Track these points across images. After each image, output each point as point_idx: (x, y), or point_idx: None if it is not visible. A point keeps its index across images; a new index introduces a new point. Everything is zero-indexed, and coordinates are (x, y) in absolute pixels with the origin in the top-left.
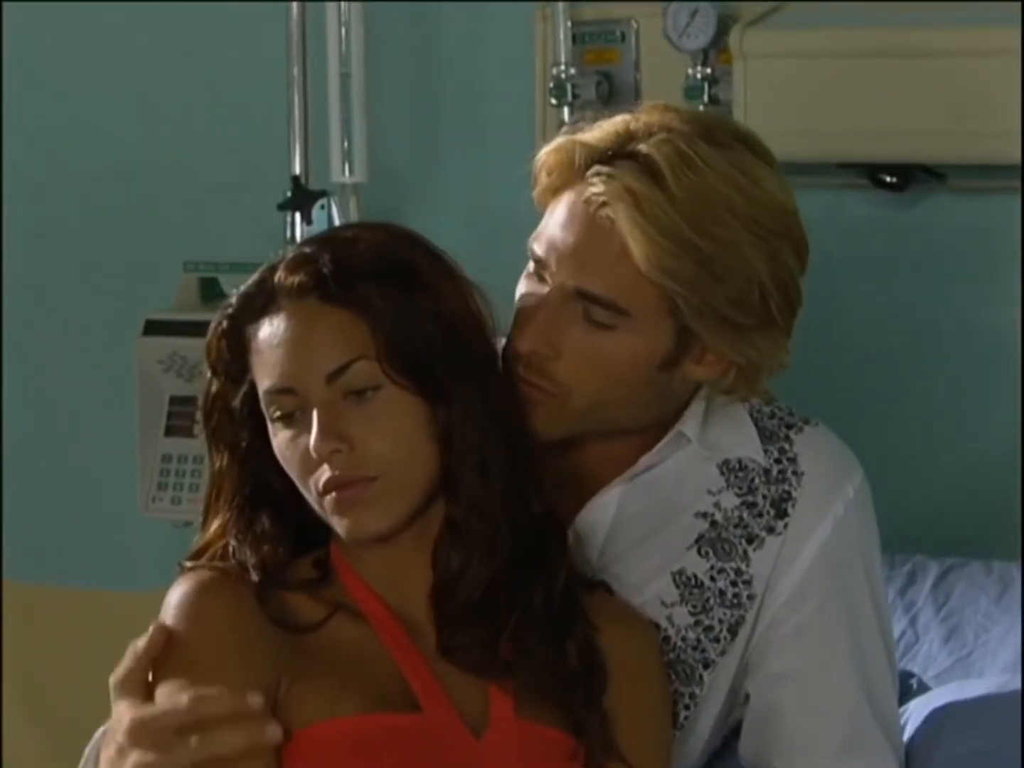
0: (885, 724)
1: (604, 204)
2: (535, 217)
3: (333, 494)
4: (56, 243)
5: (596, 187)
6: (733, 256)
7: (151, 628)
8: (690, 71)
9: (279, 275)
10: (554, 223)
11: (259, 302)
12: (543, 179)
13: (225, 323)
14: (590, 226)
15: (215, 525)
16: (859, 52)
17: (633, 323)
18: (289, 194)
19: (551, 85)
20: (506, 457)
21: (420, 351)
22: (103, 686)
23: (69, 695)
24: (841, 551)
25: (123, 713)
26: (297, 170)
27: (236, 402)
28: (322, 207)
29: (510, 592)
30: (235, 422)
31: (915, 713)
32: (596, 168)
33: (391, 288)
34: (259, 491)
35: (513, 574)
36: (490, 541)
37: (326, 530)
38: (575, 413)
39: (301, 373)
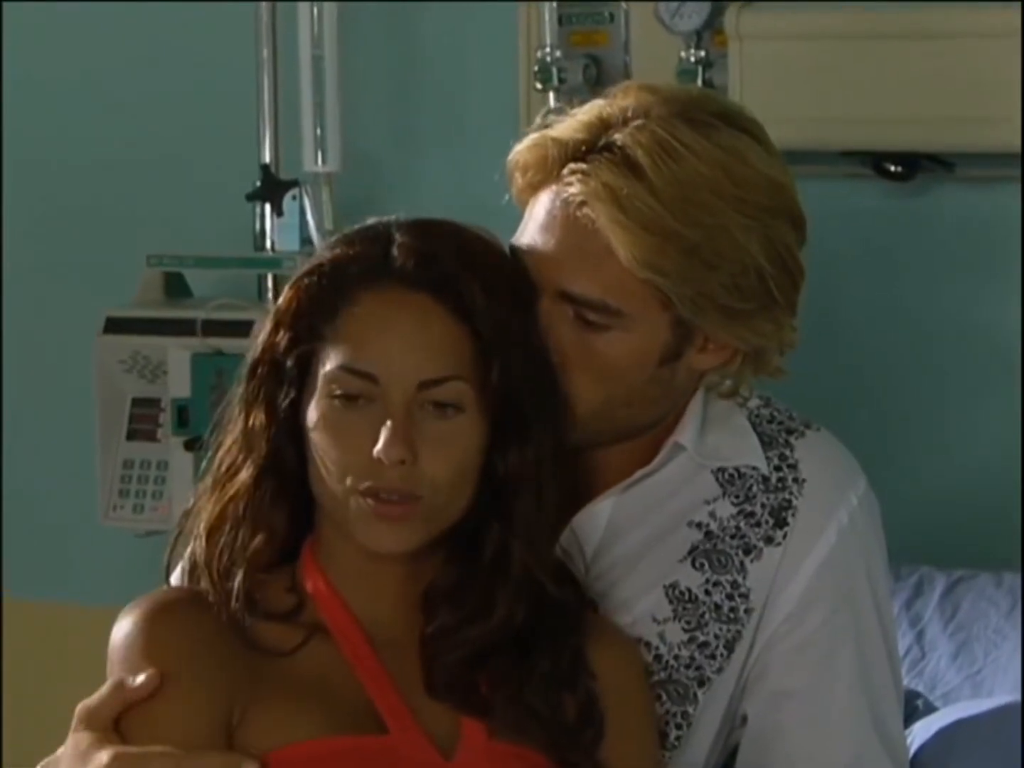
0: (890, 744)
1: (583, 204)
2: (519, 209)
3: (371, 502)
4: (10, 235)
5: (573, 187)
6: (723, 241)
7: (143, 676)
8: (683, 54)
9: (396, 256)
10: (534, 226)
11: (365, 270)
12: (518, 179)
13: (315, 278)
14: (571, 227)
15: (240, 480)
16: (863, 34)
17: (627, 321)
18: (258, 184)
19: (536, 69)
20: (554, 505)
21: (518, 388)
22: (47, 702)
23: (19, 706)
24: (845, 563)
25: (92, 746)
26: (267, 158)
27: (290, 360)
28: (293, 198)
29: (514, 651)
30: (281, 380)
31: (922, 731)
32: (571, 166)
33: (508, 315)
34: (275, 462)
35: (521, 637)
36: (518, 586)
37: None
38: (582, 421)
39: (395, 368)
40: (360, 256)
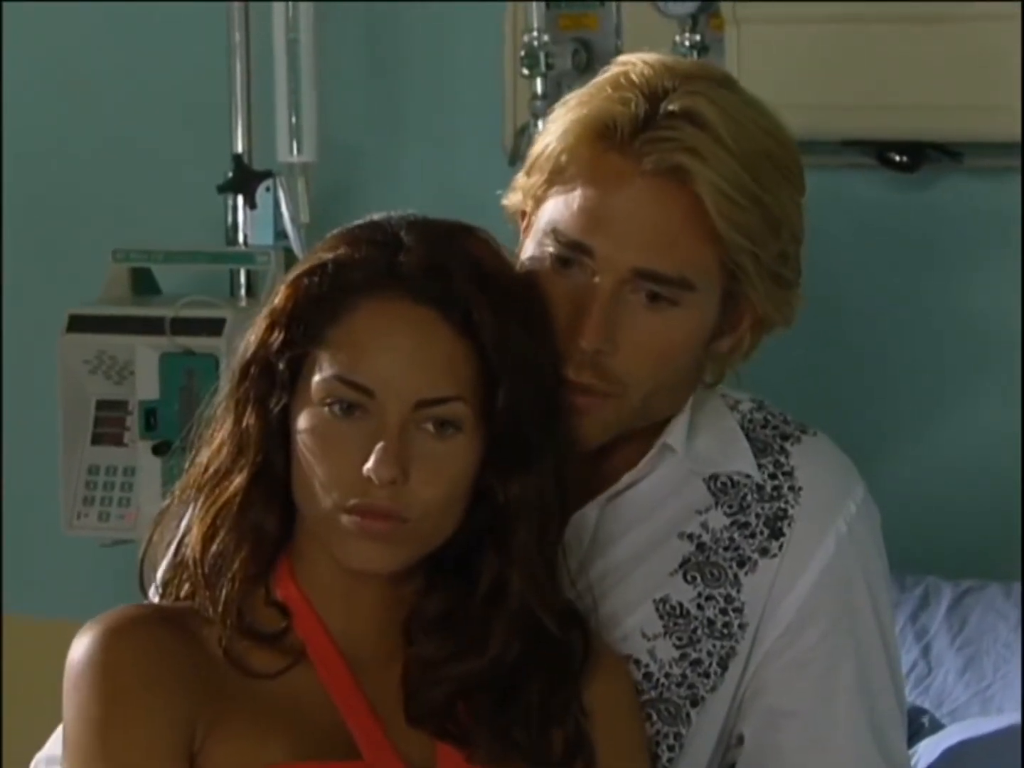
0: (893, 765)
1: (670, 168)
2: (503, 198)
3: (357, 518)
4: None
5: (654, 153)
6: (779, 206)
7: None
8: (677, 38)
9: (404, 264)
10: (601, 204)
11: (369, 276)
12: (556, 163)
13: (316, 279)
14: (653, 198)
15: (233, 485)
16: (866, 17)
17: (694, 296)
18: (230, 175)
19: (522, 54)
20: (558, 532)
21: (523, 413)
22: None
23: None
24: (844, 574)
25: None
26: (239, 148)
27: (282, 363)
28: (267, 189)
29: (502, 681)
30: (272, 382)
31: (928, 750)
32: (645, 136)
33: (517, 337)
34: (267, 467)
35: (516, 668)
36: (514, 621)
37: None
38: (629, 411)
39: (393, 384)
40: (365, 260)
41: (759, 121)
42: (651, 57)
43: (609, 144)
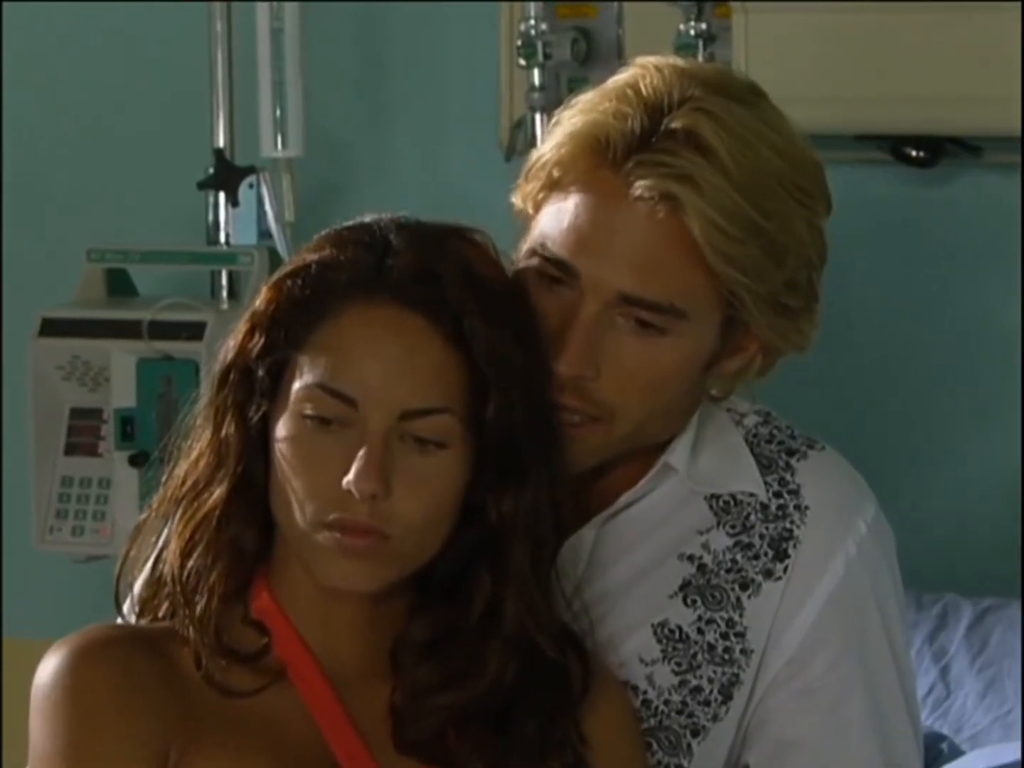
0: None
1: (658, 197)
2: (500, 196)
3: (336, 534)
4: None
5: (646, 178)
6: (787, 233)
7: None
8: (682, 26)
9: (392, 267)
10: (590, 224)
11: (355, 279)
12: (550, 175)
13: (299, 281)
14: (644, 223)
15: (212, 498)
16: (880, 6)
17: (686, 324)
18: (211, 171)
19: (519, 43)
20: (553, 551)
21: (516, 428)
22: None
23: None
24: (854, 598)
25: None
26: (221, 142)
27: (261, 369)
28: (250, 186)
29: (496, 706)
30: (253, 389)
31: None
32: (638, 157)
33: (509, 348)
34: (247, 479)
35: (512, 695)
36: (510, 647)
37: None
38: (620, 437)
39: (377, 394)
40: (351, 262)
41: (773, 140)
42: (666, 63)
43: (601, 160)
